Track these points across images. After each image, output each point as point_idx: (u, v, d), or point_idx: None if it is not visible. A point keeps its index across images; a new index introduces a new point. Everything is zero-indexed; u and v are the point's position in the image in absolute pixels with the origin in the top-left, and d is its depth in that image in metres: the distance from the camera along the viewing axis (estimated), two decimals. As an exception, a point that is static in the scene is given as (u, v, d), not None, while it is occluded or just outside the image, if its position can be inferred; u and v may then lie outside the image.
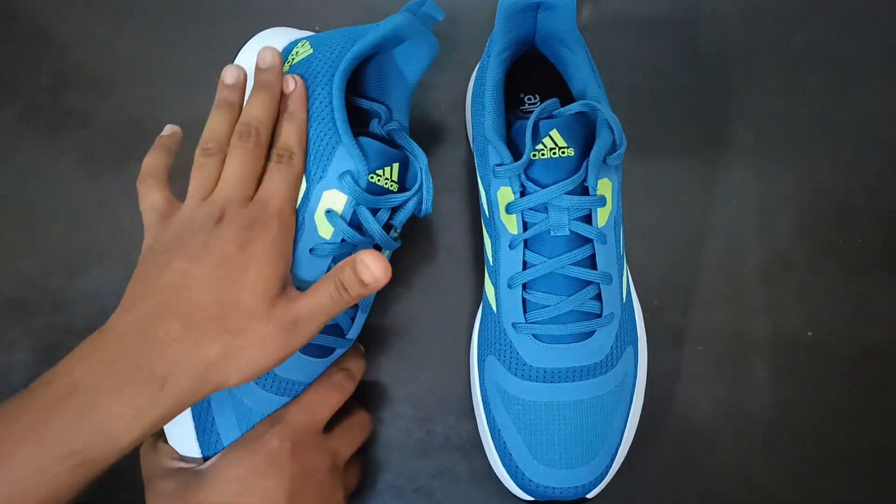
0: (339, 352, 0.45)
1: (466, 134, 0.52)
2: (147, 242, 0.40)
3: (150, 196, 0.40)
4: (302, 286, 0.41)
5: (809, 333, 0.50)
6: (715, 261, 0.51)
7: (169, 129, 0.44)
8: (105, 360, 0.34)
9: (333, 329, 0.44)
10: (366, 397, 0.48)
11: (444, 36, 0.55)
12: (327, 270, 0.42)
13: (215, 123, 0.42)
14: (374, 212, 0.42)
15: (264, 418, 0.41)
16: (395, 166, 0.42)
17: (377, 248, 0.44)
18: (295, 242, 0.41)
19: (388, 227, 0.44)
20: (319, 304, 0.37)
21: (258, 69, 0.44)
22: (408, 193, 0.43)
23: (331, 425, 0.43)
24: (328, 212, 0.41)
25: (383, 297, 0.50)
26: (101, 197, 0.52)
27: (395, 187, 0.43)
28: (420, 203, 0.43)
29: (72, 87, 0.54)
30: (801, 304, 0.50)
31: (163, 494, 0.39)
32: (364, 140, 0.41)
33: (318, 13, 0.55)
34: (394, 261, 0.50)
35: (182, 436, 0.42)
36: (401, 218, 0.43)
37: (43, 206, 0.52)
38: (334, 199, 0.41)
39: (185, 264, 0.36)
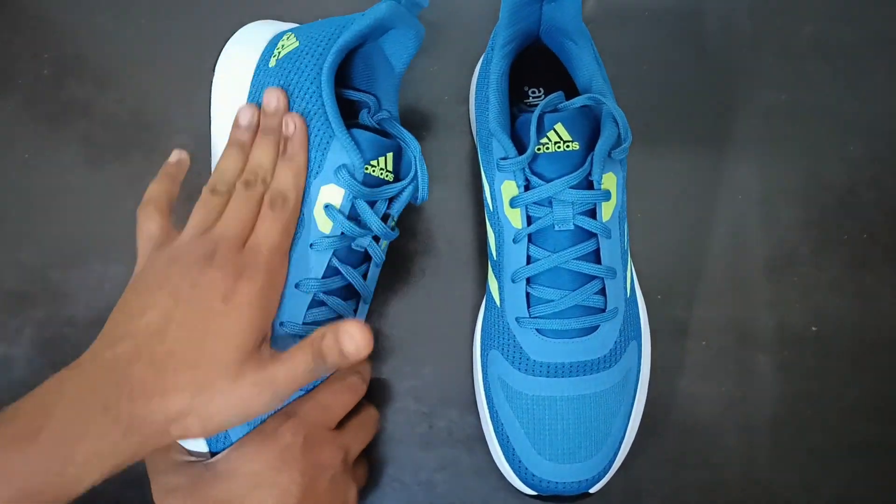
0: None
1: (470, 127, 0.52)
2: (138, 269, 0.40)
3: (148, 224, 0.40)
4: (302, 283, 0.41)
5: (814, 328, 0.49)
6: (719, 255, 0.51)
7: (176, 155, 0.44)
8: (74, 401, 0.33)
9: (336, 320, 0.43)
10: (369, 391, 0.48)
11: (447, 28, 0.54)
12: (328, 264, 0.42)
13: (227, 164, 0.43)
14: (372, 203, 0.42)
15: (277, 412, 0.41)
16: (389, 156, 0.42)
17: (376, 239, 0.44)
18: (295, 238, 0.41)
19: (385, 217, 0.43)
20: (294, 372, 0.36)
21: (264, 113, 0.44)
22: (403, 182, 0.42)
23: (341, 422, 0.43)
24: (326, 206, 0.41)
25: (386, 291, 0.50)
26: (102, 188, 0.52)
27: (390, 177, 0.43)
28: (416, 191, 0.43)
29: (72, 77, 0.53)
30: (806, 299, 0.50)
31: (171, 489, 0.39)
32: (356, 132, 0.41)
33: (317, 3, 0.54)
34: (397, 254, 0.50)
35: None
36: (398, 207, 0.43)
37: (44, 197, 0.52)
38: (332, 194, 0.41)
39: (169, 304, 0.36)
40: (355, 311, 0.45)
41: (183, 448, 0.41)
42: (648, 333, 0.47)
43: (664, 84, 0.54)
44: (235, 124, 0.44)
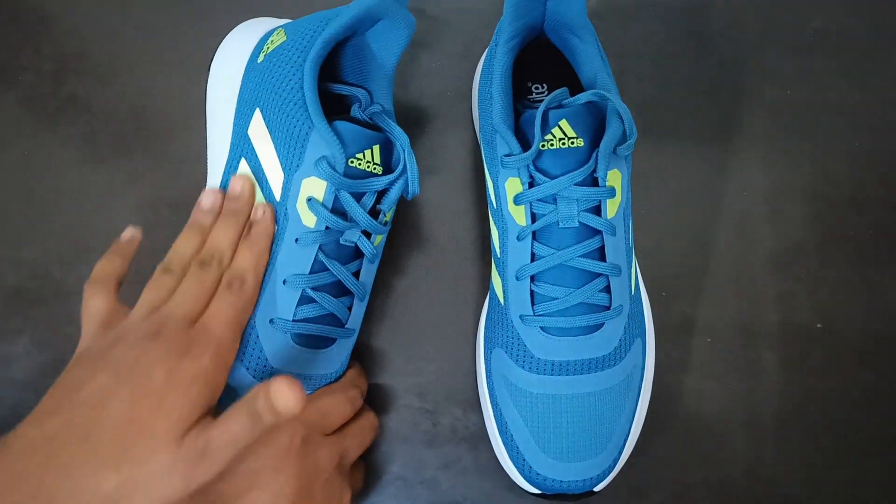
0: (341, 342, 0.44)
1: (473, 123, 0.52)
2: (80, 349, 0.39)
3: (94, 301, 0.40)
4: (290, 279, 0.41)
5: (819, 325, 0.49)
6: (724, 251, 0.50)
7: (129, 233, 0.44)
8: (3, 483, 0.32)
9: (331, 319, 0.43)
10: (372, 389, 0.48)
11: (449, 22, 0.54)
12: (315, 259, 0.41)
13: (183, 245, 0.42)
14: (359, 197, 0.41)
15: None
16: (376, 148, 0.41)
17: (366, 234, 0.43)
18: (280, 234, 0.41)
19: (375, 212, 0.43)
20: (232, 434, 0.35)
21: (228, 197, 0.43)
22: (391, 176, 0.41)
23: (342, 426, 0.43)
24: (309, 200, 0.40)
25: (389, 288, 0.50)
26: (102, 185, 0.51)
27: (378, 170, 0.42)
28: (406, 185, 0.42)
29: (73, 74, 0.53)
30: (811, 295, 0.50)
31: None
32: (340, 124, 0.40)
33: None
34: (400, 252, 0.50)
35: None
36: (388, 202, 0.42)
37: (44, 193, 0.52)
38: (314, 187, 0.40)
39: (108, 379, 0.35)
40: (350, 308, 0.44)
41: None
42: (653, 331, 0.47)
43: (669, 80, 0.53)
44: (197, 207, 0.44)
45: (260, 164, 0.42)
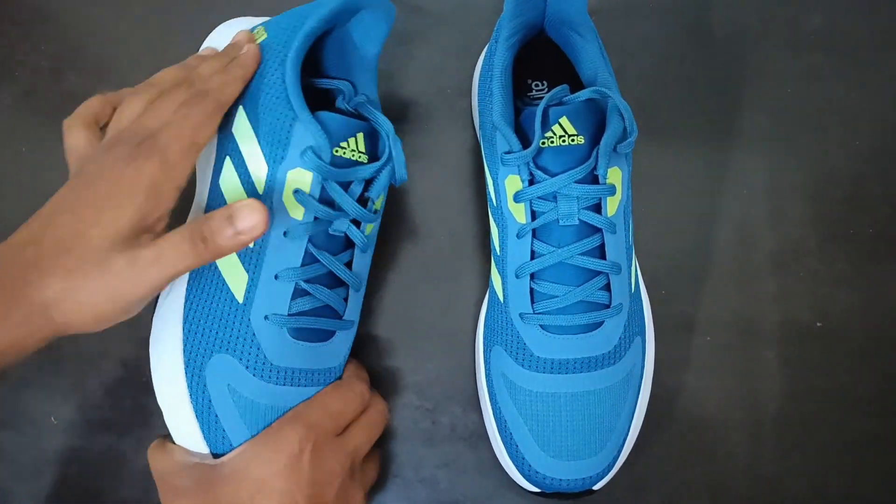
0: (341, 335, 0.43)
1: (472, 120, 0.52)
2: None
3: (72, 136, 0.40)
4: (281, 273, 0.41)
5: (819, 323, 0.49)
6: (724, 249, 0.50)
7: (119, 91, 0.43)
8: None
9: (327, 311, 0.43)
10: (372, 386, 0.48)
11: (449, 20, 0.54)
12: (305, 251, 0.41)
13: (169, 72, 0.42)
14: (346, 186, 0.41)
15: (284, 415, 0.40)
16: (360, 136, 0.41)
17: (356, 223, 0.42)
18: (269, 229, 0.40)
19: (364, 200, 0.42)
20: (162, 253, 0.35)
21: (228, 44, 0.44)
22: (377, 163, 0.41)
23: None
24: (296, 192, 0.40)
25: (387, 285, 0.50)
26: (101, 182, 0.51)
27: (364, 158, 0.41)
28: (393, 172, 0.42)
29: (72, 70, 0.53)
30: (811, 294, 0.49)
31: (179, 491, 0.38)
32: (323, 114, 0.40)
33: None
34: (398, 249, 0.50)
35: (187, 434, 0.41)
36: (377, 189, 0.42)
37: (42, 190, 0.50)
38: (300, 178, 0.40)
39: (64, 192, 0.36)
40: (345, 299, 0.43)
41: (186, 449, 0.41)
42: (652, 329, 0.47)
43: (669, 77, 0.53)
44: (195, 56, 0.44)
45: (243, 161, 0.42)
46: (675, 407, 0.48)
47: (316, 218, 0.41)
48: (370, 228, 0.44)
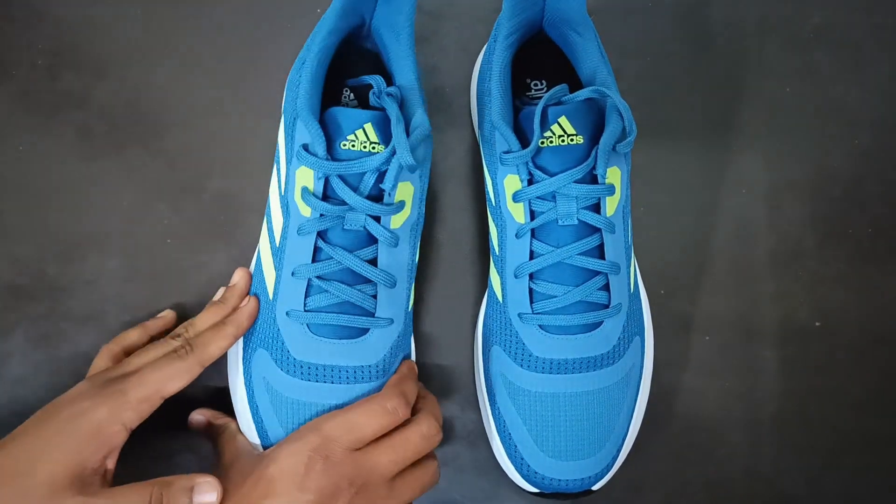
0: (377, 332, 0.42)
1: (471, 119, 0.51)
2: None
3: (97, 362, 0.43)
4: (297, 270, 0.41)
5: (818, 323, 0.49)
6: (723, 249, 0.50)
7: (167, 315, 0.48)
8: None
9: (350, 307, 0.42)
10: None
11: (449, 18, 0.53)
12: (314, 247, 0.41)
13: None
14: (357, 179, 0.40)
15: (309, 422, 0.41)
16: (369, 126, 0.40)
17: (376, 218, 0.41)
18: (285, 227, 0.42)
19: (380, 193, 0.41)
20: None
21: (228, 287, 0.46)
22: (383, 154, 0.39)
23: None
24: (303, 189, 0.40)
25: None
26: (98, 181, 0.51)
27: (379, 148, 0.40)
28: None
29: (67, 68, 0.52)
30: (810, 293, 0.49)
31: (230, 480, 0.40)
32: (332, 109, 0.40)
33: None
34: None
35: (243, 423, 0.44)
36: (389, 180, 0.40)
37: (39, 189, 0.51)
38: (305, 176, 0.40)
39: (30, 422, 0.38)
40: (374, 296, 0.42)
41: (246, 439, 0.43)
42: (651, 329, 0.46)
43: (669, 76, 0.53)
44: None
45: (278, 163, 0.43)
46: (675, 406, 0.48)
47: (322, 215, 0.40)
48: (400, 221, 0.42)
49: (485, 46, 0.49)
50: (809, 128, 0.52)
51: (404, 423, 0.42)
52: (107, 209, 0.50)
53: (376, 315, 0.42)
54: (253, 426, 0.43)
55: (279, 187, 0.43)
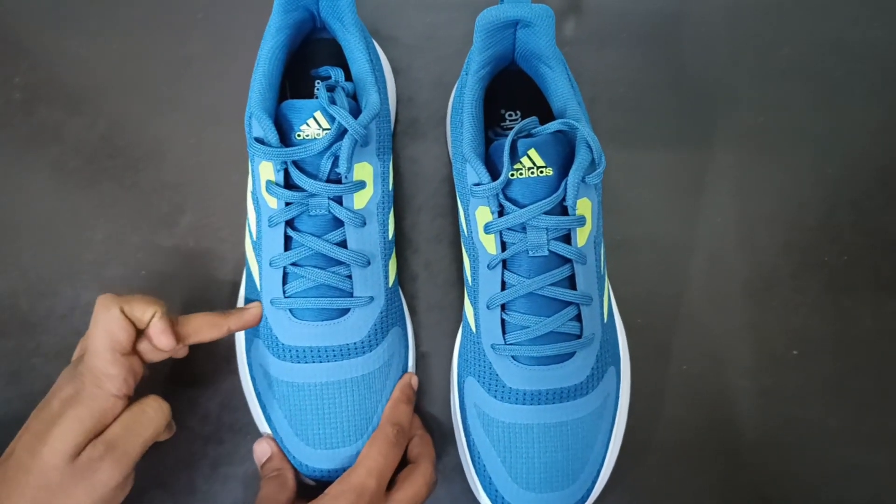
0: (358, 311, 0.44)
1: (447, 150, 0.52)
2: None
3: (112, 322, 0.39)
4: (273, 260, 0.43)
5: (795, 352, 0.49)
6: (699, 278, 0.50)
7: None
8: None
9: (327, 290, 0.43)
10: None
11: (425, 50, 0.54)
12: (284, 235, 0.42)
13: None
14: (313, 165, 0.41)
15: (337, 481, 0.41)
16: (318, 115, 0.41)
17: (337, 200, 0.42)
18: (258, 221, 0.44)
19: (339, 177, 0.42)
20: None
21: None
22: (328, 135, 0.40)
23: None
24: (267, 181, 0.42)
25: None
26: (72, 214, 0.51)
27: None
28: (356, 138, 0.40)
29: (43, 102, 0.53)
30: (786, 322, 0.49)
31: None
32: (285, 103, 0.41)
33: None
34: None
35: (255, 413, 0.46)
36: (344, 156, 0.40)
37: (13, 223, 0.51)
38: (266, 169, 0.42)
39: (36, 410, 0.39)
40: (349, 276, 0.43)
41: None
42: (628, 358, 0.46)
43: (642, 106, 0.53)
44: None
45: (252, 161, 0.44)
46: (651, 436, 0.48)
47: (287, 203, 0.42)
48: (363, 201, 0.43)
49: (459, 79, 0.49)
50: (782, 158, 0.52)
51: (413, 469, 0.43)
52: (80, 243, 0.50)
53: (355, 295, 0.44)
54: (261, 412, 0.46)
55: (252, 186, 0.44)
